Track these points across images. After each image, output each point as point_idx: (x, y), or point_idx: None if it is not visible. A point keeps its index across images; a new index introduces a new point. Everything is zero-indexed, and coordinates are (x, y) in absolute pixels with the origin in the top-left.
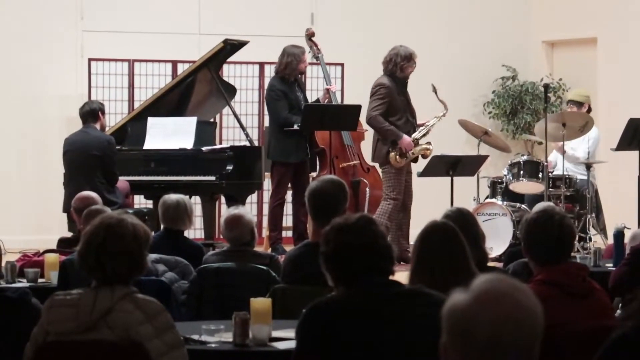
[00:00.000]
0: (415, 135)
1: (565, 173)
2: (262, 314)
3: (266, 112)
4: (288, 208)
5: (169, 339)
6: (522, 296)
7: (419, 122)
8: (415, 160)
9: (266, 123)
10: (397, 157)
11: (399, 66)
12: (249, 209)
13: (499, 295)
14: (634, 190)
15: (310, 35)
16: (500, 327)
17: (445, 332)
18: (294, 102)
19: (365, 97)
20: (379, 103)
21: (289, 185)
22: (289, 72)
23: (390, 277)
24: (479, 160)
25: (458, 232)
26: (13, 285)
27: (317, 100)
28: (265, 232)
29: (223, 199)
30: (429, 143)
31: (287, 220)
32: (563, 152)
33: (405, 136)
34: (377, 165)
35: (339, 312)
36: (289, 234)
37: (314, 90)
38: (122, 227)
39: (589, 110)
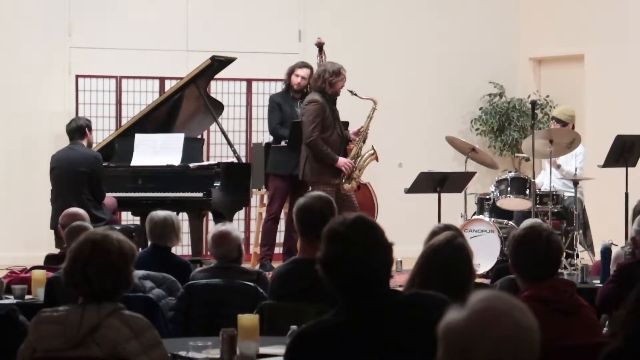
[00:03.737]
0: (354, 150)
1: (552, 190)
2: (249, 331)
3: (254, 128)
4: (282, 225)
5: (156, 356)
6: (521, 315)
7: (352, 129)
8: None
9: (253, 139)
10: (345, 184)
11: (327, 82)
12: (236, 226)
13: (498, 315)
14: (621, 206)
15: (319, 45)
16: (500, 348)
17: (442, 351)
18: (287, 116)
19: (354, 114)
20: (315, 123)
21: (287, 200)
22: (288, 83)
23: (386, 284)
24: (467, 177)
25: (467, 247)
26: (0, 302)
27: None
28: (252, 249)
29: (210, 215)
30: (372, 148)
31: (281, 237)
32: (557, 167)
33: (340, 158)
34: (369, 182)
35: (327, 338)
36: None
37: None
38: (107, 243)
39: (572, 128)
